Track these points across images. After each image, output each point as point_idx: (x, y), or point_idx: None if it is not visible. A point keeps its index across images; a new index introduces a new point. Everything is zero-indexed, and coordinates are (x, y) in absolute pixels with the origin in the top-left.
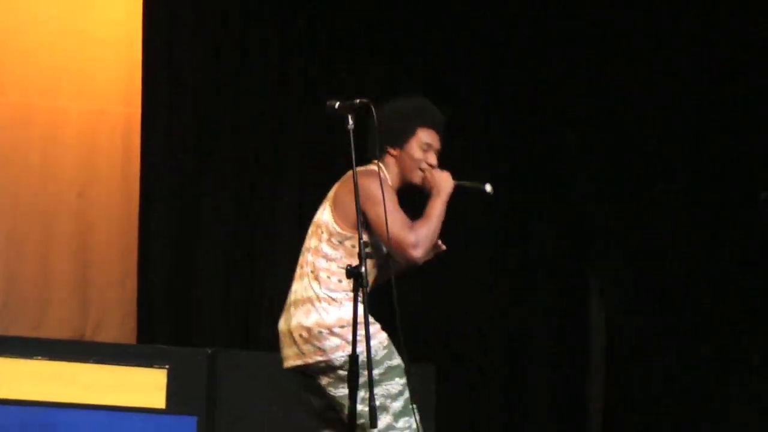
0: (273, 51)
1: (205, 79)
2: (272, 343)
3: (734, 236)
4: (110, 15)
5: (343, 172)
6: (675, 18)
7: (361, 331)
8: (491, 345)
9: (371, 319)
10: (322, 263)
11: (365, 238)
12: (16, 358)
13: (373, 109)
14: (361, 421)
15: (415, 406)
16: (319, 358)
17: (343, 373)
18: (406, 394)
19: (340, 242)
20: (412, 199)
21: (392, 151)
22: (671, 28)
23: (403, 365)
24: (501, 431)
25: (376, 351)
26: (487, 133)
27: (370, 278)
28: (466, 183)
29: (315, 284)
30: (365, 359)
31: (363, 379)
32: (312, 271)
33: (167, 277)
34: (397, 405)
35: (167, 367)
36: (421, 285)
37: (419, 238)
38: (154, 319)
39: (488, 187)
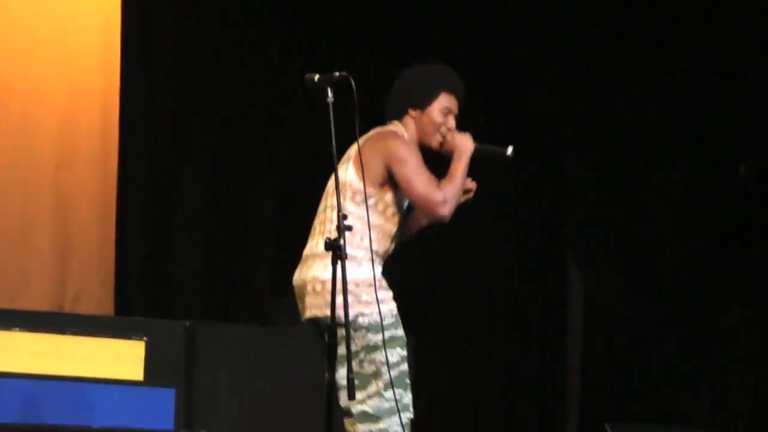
0: (253, 22)
1: (184, 51)
2: (249, 315)
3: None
4: None
5: (325, 144)
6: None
7: (370, 295)
8: (471, 318)
9: (385, 284)
10: (348, 220)
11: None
12: None
13: (352, 82)
14: (363, 371)
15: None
16: (328, 312)
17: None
18: (403, 368)
19: (364, 200)
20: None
21: (413, 113)
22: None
23: (405, 339)
24: (481, 404)
25: (385, 316)
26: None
27: (393, 242)
28: (486, 146)
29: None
30: (369, 322)
31: (364, 342)
32: (336, 228)
33: (145, 249)
34: (391, 374)
35: (145, 339)
36: (400, 257)
37: (446, 196)
38: (132, 291)
39: (509, 150)
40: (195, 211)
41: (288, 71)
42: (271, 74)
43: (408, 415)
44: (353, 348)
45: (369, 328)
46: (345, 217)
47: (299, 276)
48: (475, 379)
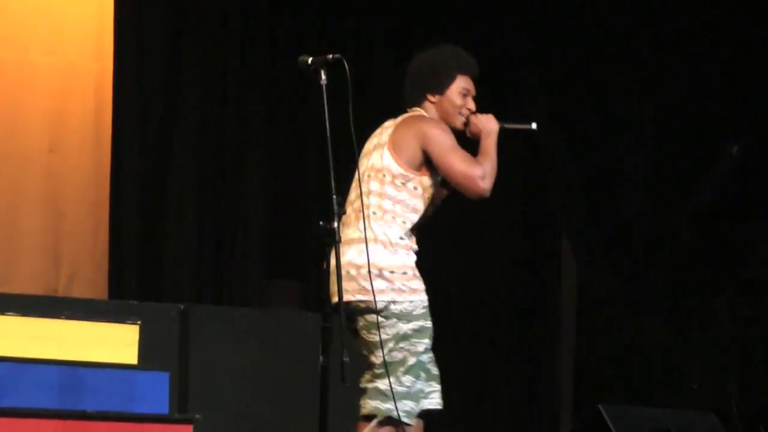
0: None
1: (177, 34)
2: (243, 298)
3: (697, 200)
4: None
5: (313, 130)
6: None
7: (404, 282)
8: (460, 300)
9: (416, 273)
10: (388, 204)
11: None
12: None
13: (345, 64)
14: (380, 371)
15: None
16: (361, 297)
17: (380, 318)
18: (423, 358)
19: (403, 183)
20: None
21: (431, 98)
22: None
23: (432, 331)
24: (471, 386)
25: (415, 307)
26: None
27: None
28: (511, 124)
29: (378, 225)
30: (401, 310)
31: (395, 330)
32: (375, 212)
33: (139, 232)
34: (412, 361)
35: (139, 322)
36: None
37: (485, 170)
38: (125, 274)
39: (534, 125)
40: (188, 194)
41: (280, 51)
42: (262, 53)
43: (412, 405)
44: (384, 336)
45: (400, 317)
46: (341, 202)
47: (332, 261)
48: (473, 365)
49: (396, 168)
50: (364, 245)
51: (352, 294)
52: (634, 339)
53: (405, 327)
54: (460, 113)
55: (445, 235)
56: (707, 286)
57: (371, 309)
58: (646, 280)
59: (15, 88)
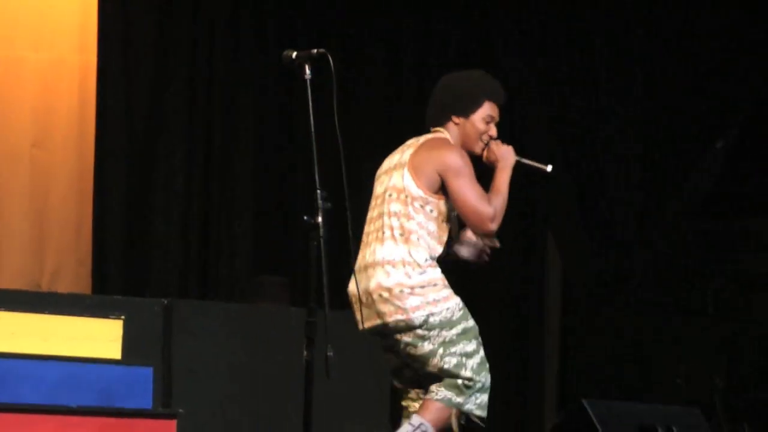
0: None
1: (161, 27)
2: (228, 293)
3: (683, 189)
4: None
5: (302, 125)
6: None
7: (436, 294)
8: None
9: (445, 282)
10: (411, 225)
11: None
12: None
13: (330, 59)
14: (439, 375)
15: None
16: (400, 317)
17: (421, 332)
18: (481, 353)
19: (422, 206)
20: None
21: (456, 120)
22: None
23: (477, 328)
24: None
25: (453, 312)
26: None
27: (444, 250)
28: (528, 161)
29: (400, 247)
30: (440, 320)
31: (440, 339)
32: (401, 234)
33: (123, 226)
34: (472, 362)
35: (123, 317)
36: None
37: (496, 210)
38: (110, 269)
39: (549, 168)
40: (173, 188)
41: (268, 43)
42: (248, 47)
43: (485, 399)
44: (431, 346)
45: (442, 326)
46: (325, 197)
47: (358, 286)
48: None
49: (415, 190)
50: (390, 267)
51: (389, 316)
52: (620, 334)
53: (449, 333)
54: (481, 139)
55: None
56: (693, 281)
57: (412, 326)
58: (631, 275)
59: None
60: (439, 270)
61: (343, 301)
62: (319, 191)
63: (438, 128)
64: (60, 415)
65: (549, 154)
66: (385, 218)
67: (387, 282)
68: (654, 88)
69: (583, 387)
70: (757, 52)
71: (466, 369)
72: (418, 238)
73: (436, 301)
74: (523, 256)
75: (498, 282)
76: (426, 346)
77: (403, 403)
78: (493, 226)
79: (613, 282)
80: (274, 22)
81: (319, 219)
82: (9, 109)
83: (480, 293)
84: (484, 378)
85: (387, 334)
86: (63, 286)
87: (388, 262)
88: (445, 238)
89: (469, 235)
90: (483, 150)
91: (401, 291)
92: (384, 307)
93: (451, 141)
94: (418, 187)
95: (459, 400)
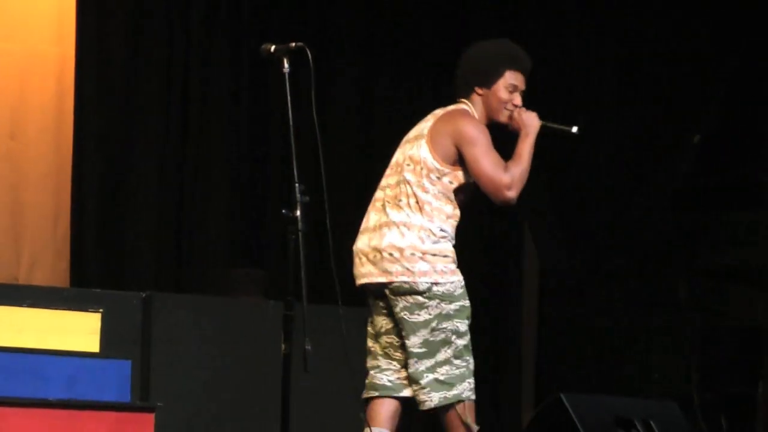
0: None
1: (139, 18)
2: (206, 286)
3: (658, 180)
4: None
5: (277, 117)
6: None
7: (444, 265)
8: None
9: (455, 257)
10: (425, 196)
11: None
12: None
13: (308, 52)
14: (423, 350)
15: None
16: (405, 278)
17: (422, 299)
18: (468, 336)
19: (438, 178)
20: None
21: (479, 91)
22: None
23: (470, 309)
24: None
25: (456, 288)
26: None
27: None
28: (552, 124)
29: (417, 215)
30: (443, 291)
31: (438, 310)
32: (417, 203)
33: (101, 219)
34: (460, 342)
35: (101, 310)
36: (356, 229)
37: (513, 178)
38: (88, 262)
39: (575, 129)
40: (150, 181)
41: (244, 34)
42: (224, 40)
43: (472, 380)
44: (426, 316)
45: (443, 298)
46: (303, 190)
47: (367, 243)
48: None
49: (431, 162)
50: (406, 229)
51: (395, 275)
52: (596, 327)
53: (447, 307)
54: (505, 108)
55: None
56: (669, 274)
57: (415, 290)
58: (608, 267)
59: None
60: (451, 245)
61: (320, 295)
62: (297, 185)
63: (463, 99)
64: (37, 408)
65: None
66: (402, 186)
67: (400, 242)
68: (629, 78)
69: (561, 380)
70: (734, 45)
71: (449, 348)
72: (431, 209)
73: (443, 272)
74: (498, 250)
75: (474, 276)
76: (422, 315)
77: (372, 398)
78: (510, 194)
79: (589, 275)
80: (250, 12)
81: (298, 212)
82: None
83: None
84: (469, 360)
85: (385, 295)
86: (40, 279)
87: (404, 224)
88: (464, 210)
89: None
90: (508, 118)
91: (412, 254)
92: (392, 267)
93: (476, 112)
94: (434, 158)
95: (454, 392)
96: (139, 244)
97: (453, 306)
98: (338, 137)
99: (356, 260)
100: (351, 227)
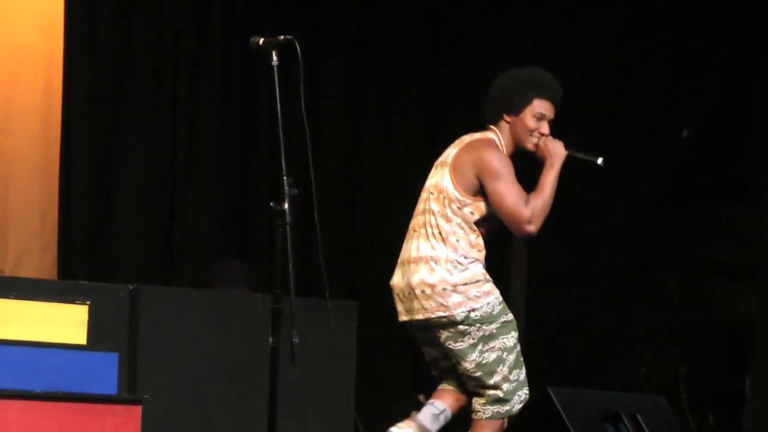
0: None
1: (128, 10)
2: (193, 279)
3: (644, 177)
4: None
5: (266, 109)
6: None
7: (477, 290)
8: None
9: (487, 277)
10: (447, 227)
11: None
12: None
13: (297, 45)
14: (478, 373)
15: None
16: (442, 314)
17: (463, 327)
18: (518, 349)
19: (459, 208)
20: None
21: (507, 118)
22: None
23: (515, 322)
24: (419, 368)
25: (493, 307)
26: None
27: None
28: (578, 154)
29: (441, 246)
30: (481, 315)
31: (480, 333)
32: (440, 233)
33: (89, 212)
34: (511, 357)
35: (88, 303)
36: (344, 223)
37: (534, 212)
38: (75, 255)
39: (600, 161)
40: (138, 174)
41: (234, 28)
42: (214, 33)
43: (526, 391)
44: (471, 341)
45: (482, 321)
46: (291, 183)
47: (402, 279)
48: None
49: (453, 192)
50: (434, 264)
51: (432, 312)
52: (584, 321)
53: (488, 328)
54: (531, 136)
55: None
56: (658, 270)
57: (453, 321)
58: (596, 262)
59: None
60: (481, 266)
61: (308, 288)
62: (285, 177)
63: (492, 126)
64: (24, 400)
65: None
66: (428, 215)
67: (430, 279)
68: (618, 77)
69: (548, 374)
70: (724, 40)
71: (504, 365)
72: (456, 240)
73: (477, 297)
74: (486, 246)
75: None
76: (466, 341)
77: (440, 387)
78: (531, 228)
79: (576, 269)
80: (241, 8)
81: (286, 205)
82: None
83: None
84: (521, 373)
85: (429, 328)
86: (27, 272)
87: (432, 258)
88: (486, 239)
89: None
90: (534, 147)
91: (444, 288)
92: (427, 303)
93: (503, 139)
94: (455, 188)
95: (507, 408)
96: (127, 238)
97: (494, 325)
98: (327, 131)
99: (395, 296)
100: (339, 222)
